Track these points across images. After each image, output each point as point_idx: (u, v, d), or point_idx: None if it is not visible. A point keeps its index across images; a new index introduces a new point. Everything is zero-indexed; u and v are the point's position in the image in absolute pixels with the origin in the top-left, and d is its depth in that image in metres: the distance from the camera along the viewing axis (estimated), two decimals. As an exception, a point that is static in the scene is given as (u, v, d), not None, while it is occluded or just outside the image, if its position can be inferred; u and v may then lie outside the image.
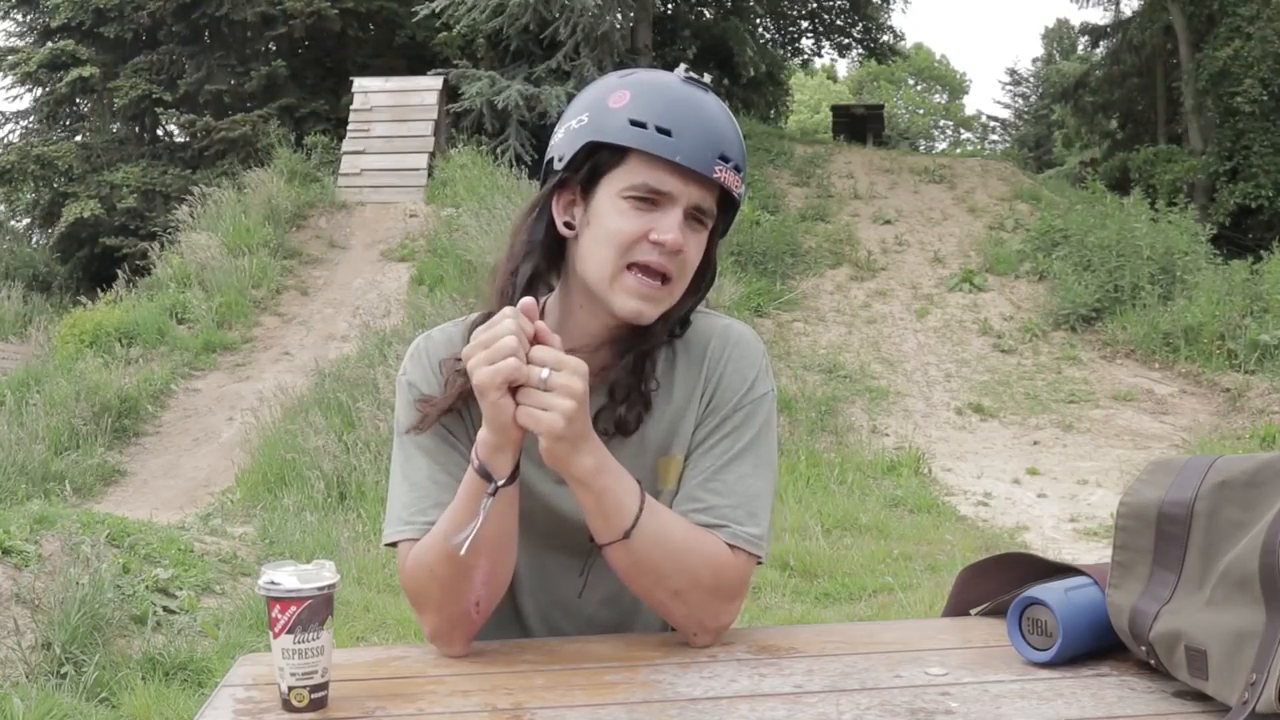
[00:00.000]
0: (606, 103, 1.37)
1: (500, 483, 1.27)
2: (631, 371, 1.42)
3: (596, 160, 1.37)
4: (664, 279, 1.35)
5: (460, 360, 1.41)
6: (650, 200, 1.34)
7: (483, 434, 1.27)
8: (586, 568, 1.47)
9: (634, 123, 1.34)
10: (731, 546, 1.37)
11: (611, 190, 1.36)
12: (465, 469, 1.33)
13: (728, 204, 1.41)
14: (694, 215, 1.36)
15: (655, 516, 1.34)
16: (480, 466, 1.27)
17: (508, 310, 1.24)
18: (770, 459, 1.45)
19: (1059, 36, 39.41)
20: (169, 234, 13.36)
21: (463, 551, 1.25)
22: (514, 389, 1.23)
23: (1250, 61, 17.47)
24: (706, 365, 1.46)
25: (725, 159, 1.35)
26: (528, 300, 1.24)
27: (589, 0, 14.05)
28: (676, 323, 1.45)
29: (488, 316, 1.33)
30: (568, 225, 1.40)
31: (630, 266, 1.35)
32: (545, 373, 1.22)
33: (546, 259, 1.43)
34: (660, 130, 1.33)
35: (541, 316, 1.29)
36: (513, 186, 12.61)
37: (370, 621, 4.77)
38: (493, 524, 1.28)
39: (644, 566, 1.34)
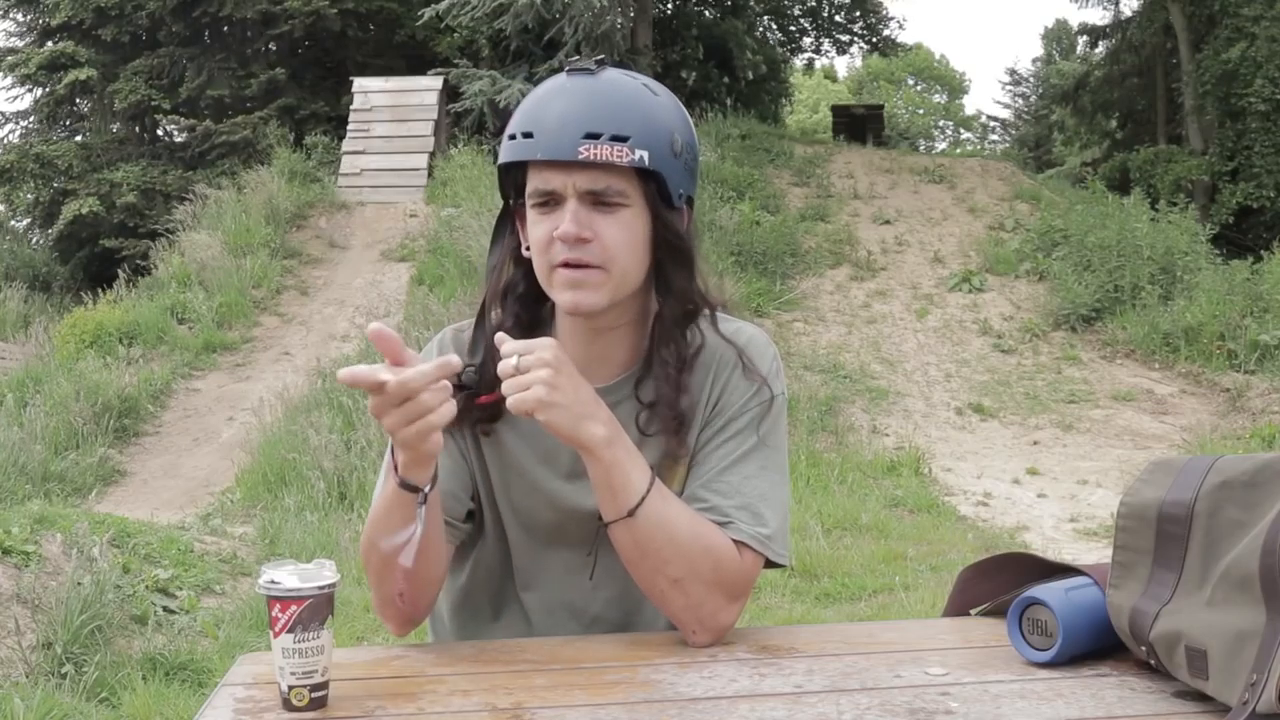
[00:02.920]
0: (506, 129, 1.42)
1: (427, 489, 1.28)
2: (652, 369, 1.43)
3: (517, 183, 1.42)
4: (589, 266, 1.35)
5: (453, 382, 1.44)
6: (549, 202, 1.36)
7: (399, 457, 1.28)
8: (594, 559, 1.47)
9: (510, 137, 1.38)
10: (738, 544, 1.38)
11: (528, 204, 1.40)
12: (455, 453, 1.41)
13: (651, 172, 1.38)
14: (596, 200, 1.35)
15: (662, 498, 1.35)
16: (403, 482, 1.28)
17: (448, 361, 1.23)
18: (779, 462, 1.45)
19: (1058, 37, 39.42)
20: (169, 234, 13.37)
21: (411, 562, 1.27)
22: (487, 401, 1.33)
23: (1259, 61, 17.47)
24: (715, 367, 1.46)
25: (594, 135, 1.33)
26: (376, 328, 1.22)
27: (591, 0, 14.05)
28: (689, 310, 1.44)
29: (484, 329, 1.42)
30: (527, 249, 1.43)
31: (558, 267, 1.37)
32: (515, 360, 1.27)
33: (525, 281, 1.45)
34: (524, 135, 1.36)
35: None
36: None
37: (370, 621, 4.77)
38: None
39: (646, 548, 1.34)
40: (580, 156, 1.32)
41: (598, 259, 1.35)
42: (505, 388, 1.27)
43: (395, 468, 1.29)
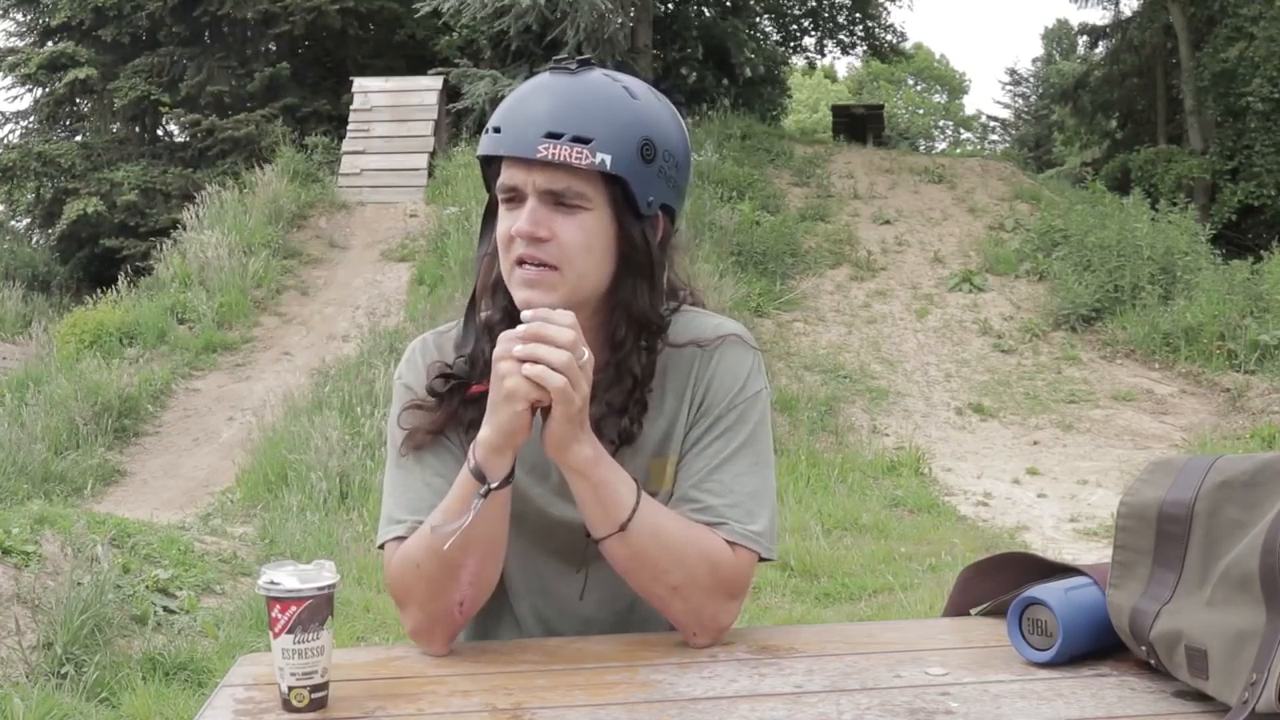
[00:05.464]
0: None
1: (493, 485, 1.28)
2: (616, 380, 1.42)
3: (497, 176, 1.41)
4: (545, 265, 1.35)
5: (442, 372, 1.43)
6: (513, 199, 1.36)
7: (484, 434, 1.28)
8: (584, 571, 1.47)
9: (485, 131, 1.38)
10: (731, 544, 1.37)
11: (498, 198, 1.40)
12: (459, 471, 1.34)
13: (615, 177, 1.35)
14: (556, 200, 1.34)
15: (652, 509, 1.35)
16: (476, 467, 1.28)
17: (561, 316, 1.26)
18: (766, 457, 1.45)
19: (1059, 37, 39.40)
20: (170, 233, 13.36)
21: (446, 546, 1.27)
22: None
23: (1257, 61, 17.50)
24: (698, 365, 1.45)
25: (554, 135, 1.32)
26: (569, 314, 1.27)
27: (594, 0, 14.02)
28: (650, 321, 1.42)
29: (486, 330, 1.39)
30: None
31: (516, 264, 1.36)
32: (586, 355, 1.25)
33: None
34: (495, 130, 1.36)
35: None
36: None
37: (370, 621, 4.78)
38: (483, 525, 1.29)
39: (642, 560, 1.35)
40: (539, 155, 1.32)
41: (554, 259, 1.35)
42: (554, 370, 1.24)
43: (474, 451, 1.29)
